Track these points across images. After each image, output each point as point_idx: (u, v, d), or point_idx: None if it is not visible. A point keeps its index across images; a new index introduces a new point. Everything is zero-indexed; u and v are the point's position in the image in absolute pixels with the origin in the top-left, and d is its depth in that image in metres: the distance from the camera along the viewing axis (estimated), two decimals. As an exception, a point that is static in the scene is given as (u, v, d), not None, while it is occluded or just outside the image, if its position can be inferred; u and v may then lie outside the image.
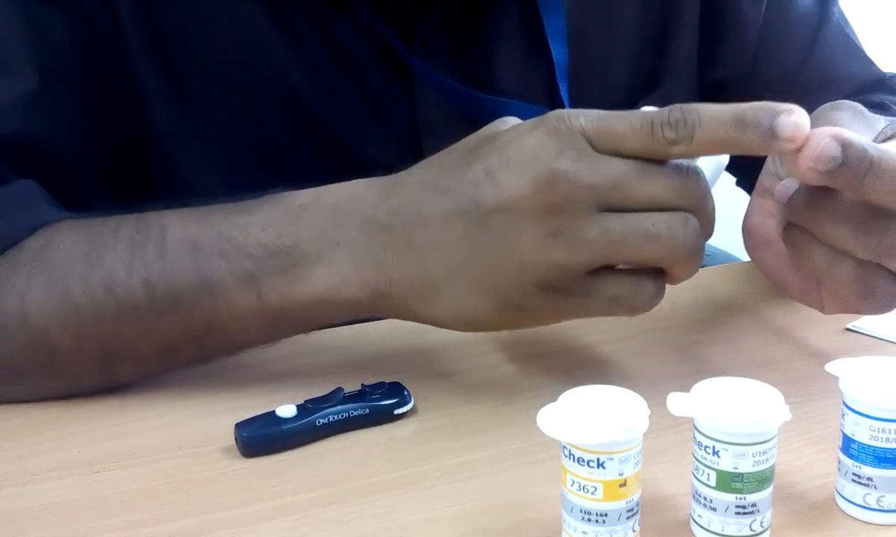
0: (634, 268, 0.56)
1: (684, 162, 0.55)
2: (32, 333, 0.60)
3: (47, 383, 0.62)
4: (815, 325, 0.71)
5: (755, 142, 0.52)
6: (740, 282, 0.79)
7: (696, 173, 0.55)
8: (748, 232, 0.63)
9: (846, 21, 0.88)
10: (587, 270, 0.55)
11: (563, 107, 0.77)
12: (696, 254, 0.55)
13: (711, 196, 0.56)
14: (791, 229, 0.57)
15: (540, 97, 0.78)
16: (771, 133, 0.52)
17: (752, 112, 0.52)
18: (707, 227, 0.56)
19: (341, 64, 0.75)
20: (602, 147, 0.54)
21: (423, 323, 0.60)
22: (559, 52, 0.77)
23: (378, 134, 0.76)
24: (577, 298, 0.56)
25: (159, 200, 0.68)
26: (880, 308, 0.56)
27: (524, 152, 0.55)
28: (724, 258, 0.96)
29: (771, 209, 0.61)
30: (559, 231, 0.54)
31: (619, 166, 0.54)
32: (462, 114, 0.75)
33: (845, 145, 0.51)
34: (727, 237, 0.93)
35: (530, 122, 0.57)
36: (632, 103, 0.81)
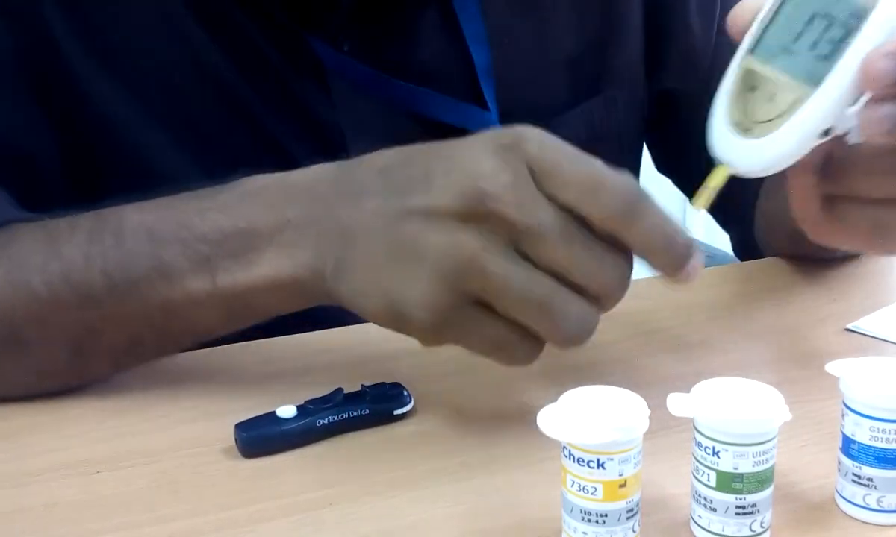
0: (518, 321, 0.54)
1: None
2: (0, 326, 0.61)
3: (22, 378, 0.62)
4: (815, 325, 0.71)
5: (667, 267, 0.53)
6: (740, 282, 0.79)
7: (622, 259, 0.53)
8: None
9: None
10: (475, 299, 0.54)
11: (487, 107, 0.76)
12: (574, 340, 0.54)
13: (627, 283, 0.54)
14: (835, 203, 0.56)
15: (464, 97, 0.77)
16: (684, 274, 0.53)
17: (682, 245, 0.52)
18: (604, 309, 0.54)
19: (261, 66, 0.74)
20: (542, 184, 0.52)
21: (348, 307, 0.58)
22: (480, 54, 0.77)
23: (304, 134, 0.76)
24: (456, 325, 0.55)
25: (117, 188, 0.68)
26: None
27: (465, 164, 0.54)
28: (724, 258, 0.96)
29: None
30: (462, 248, 0.53)
31: (545, 216, 0.52)
32: (384, 107, 0.75)
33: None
34: (727, 238, 0.93)
35: (486, 133, 0.55)
36: (573, 105, 0.81)
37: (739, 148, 0.52)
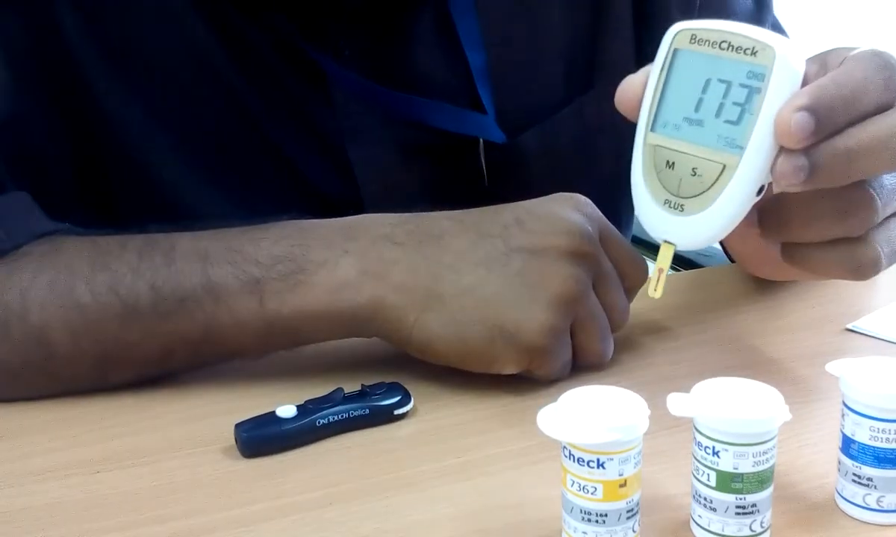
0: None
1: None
2: (31, 331, 0.61)
3: (43, 382, 0.62)
4: (815, 325, 0.71)
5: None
6: (740, 282, 0.79)
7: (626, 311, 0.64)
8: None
9: (782, 29, 0.88)
10: (572, 323, 0.62)
11: (484, 111, 0.77)
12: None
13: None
14: (786, 248, 0.57)
15: (462, 102, 0.78)
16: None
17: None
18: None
19: (262, 69, 0.75)
20: (602, 242, 0.63)
21: (407, 342, 0.61)
22: (476, 58, 0.77)
23: (303, 137, 0.76)
24: (557, 348, 0.61)
25: (124, 191, 0.70)
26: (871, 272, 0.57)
27: (552, 210, 0.62)
28: (725, 258, 0.96)
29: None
30: (578, 279, 0.61)
31: (608, 263, 0.63)
32: (383, 114, 0.75)
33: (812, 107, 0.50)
34: (727, 237, 0.93)
35: (557, 194, 0.64)
36: (567, 101, 0.81)
37: (679, 226, 0.53)
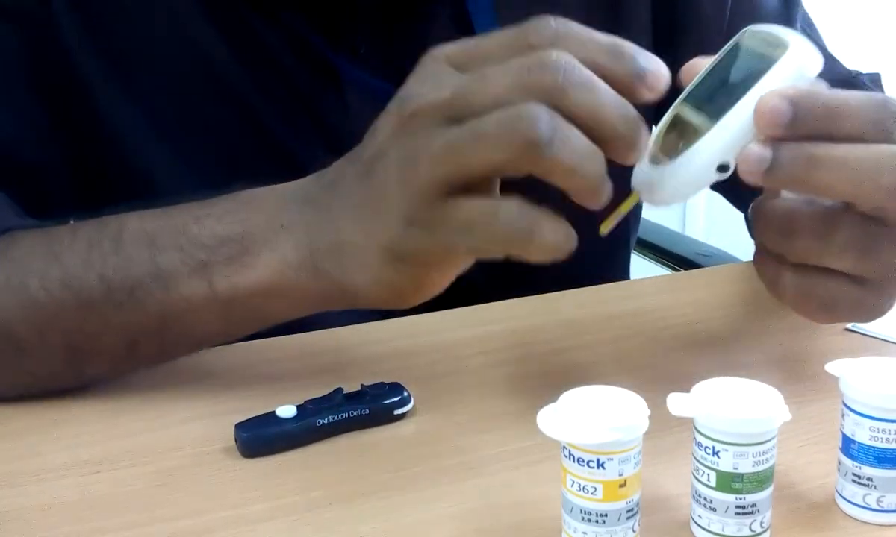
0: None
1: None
2: None
3: (19, 379, 0.62)
4: (815, 325, 0.71)
5: (622, 74, 0.51)
6: (740, 282, 0.79)
7: (552, 59, 0.50)
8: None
9: (810, 22, 0.88)
10: (442, 193, 0.52)
11: None
12: (540, 148, 0.49)
13: (580, 80, 0.50)
14: (760, 255, 0.57)
15: None
16: (639, 75, 0.51)
17: (628, 48, 0.51)
18: (578, 108, 0.50)
19: (273, 68, 0.74)
20: (468, 69, 0.53)
21: (351, 299, 0.58)
22: None
23: (314, 137, 0.76)
24: (437, 231, 0.53)
25: (124, 199, 0.68)
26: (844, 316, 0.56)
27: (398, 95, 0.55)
28: (724, 258, 0.96)
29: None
30: (410, 154, 0.53)
31: (463, 77, 0.52)
32: None
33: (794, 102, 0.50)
34: (727, 238, 0.93)
35: None
36: None
37: (647, 176, 0.54)
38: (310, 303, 0.60)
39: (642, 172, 0.54)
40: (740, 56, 0.55)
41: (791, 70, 0.52)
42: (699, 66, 0.56)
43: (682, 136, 0.53)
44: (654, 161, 0.53)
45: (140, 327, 0.61)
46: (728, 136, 0.51)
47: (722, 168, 0.52)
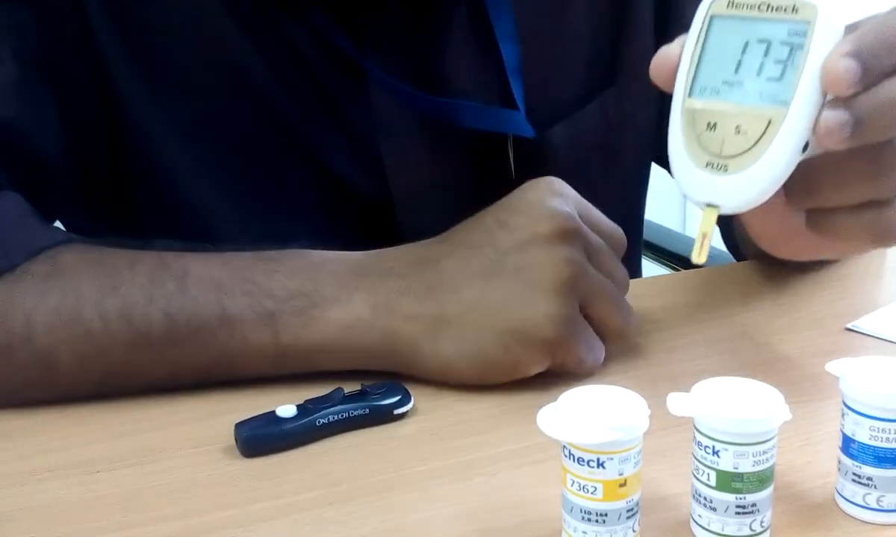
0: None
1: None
2: (37, 354, 0.61)
3: (44, 397, 0.62)
4: (815, 325, 0.71)
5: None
6: (740, 282, 0.79)
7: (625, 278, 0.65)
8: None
9: None
10: (580, 307, 0.61)
11: (515, 106, 0.77)
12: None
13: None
14: (812, 216, 0.56)
15: (493, 97, 0.78)
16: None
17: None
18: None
19: (297, 65, 0.74)
20: (583, 218, 0.62)
21: (427, 371, 0.62)
22: (510, 52, 0.77)
23: (336, 133, 0.76)
24: (573, 333, 0.61)
25: (144, 197, 0.68)
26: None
27: (528, 200, 0.62)
28: (725, 258, 0.96)
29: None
30: (570, 260, 0.61)
31: (595, 235, 0.63)
32: (416, 114, 0.76)
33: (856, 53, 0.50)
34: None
35: (528, 183, 0.64)
36: (588, 97, 0.82)
37: (724, 186, 0.51)
38: (364, 361, 0.62)
39: (711, 184, 0.51)
40: (738, 30, 0.52)
41: (831, 31, 0.50)
42: (671, 56, 0.54)
43: (738, 132, 0.51)
44: (716, 167, 0.51)
45: (193, 365, 0.62)
46: (806, 115, 0.50)
47: (804, 148, 0.51)
